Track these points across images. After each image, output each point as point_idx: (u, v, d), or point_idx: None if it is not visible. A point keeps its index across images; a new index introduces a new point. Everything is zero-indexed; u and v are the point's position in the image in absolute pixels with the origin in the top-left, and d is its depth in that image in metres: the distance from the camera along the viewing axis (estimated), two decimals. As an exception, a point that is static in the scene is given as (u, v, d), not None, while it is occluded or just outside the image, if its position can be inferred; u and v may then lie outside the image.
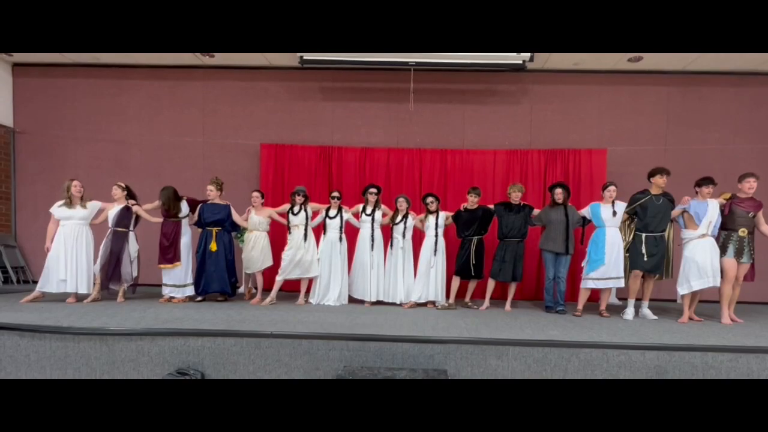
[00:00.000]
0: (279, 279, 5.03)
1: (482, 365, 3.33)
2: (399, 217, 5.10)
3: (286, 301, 5.20)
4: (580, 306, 4.75)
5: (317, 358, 3.38)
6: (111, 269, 4.83)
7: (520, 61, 5.69)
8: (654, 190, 4.57)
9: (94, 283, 4.88)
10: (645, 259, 4.50)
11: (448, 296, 5.16)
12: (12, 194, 6.65)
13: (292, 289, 5.61)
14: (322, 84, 6.48)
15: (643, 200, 4.56)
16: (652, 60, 5.90)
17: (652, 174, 4.61)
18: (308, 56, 5.75)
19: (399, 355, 3.36)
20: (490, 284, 5.14)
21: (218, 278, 5.04)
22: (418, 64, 5.85)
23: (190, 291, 5.08)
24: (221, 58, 6.23)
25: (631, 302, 4.62)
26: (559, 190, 4.88)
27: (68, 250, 4.69)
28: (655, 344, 3.34)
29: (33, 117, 6.62)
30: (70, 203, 4.75)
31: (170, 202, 4.93)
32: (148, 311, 4.33)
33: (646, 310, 4.63)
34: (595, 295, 5.92)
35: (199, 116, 6.58)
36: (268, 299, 4.97)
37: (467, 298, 5.28)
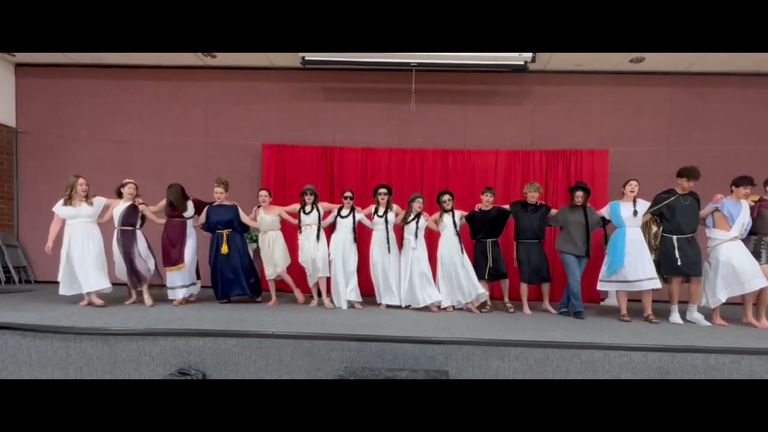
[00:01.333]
0: (312, 284, 5.01)
1: (484, 366, 3.32)
2: (411, 216, 4.88)
3: (288, 303, 5.20)
4: (623, 311, 4.43)
5: (318, 358, 3.37)
6: (132, 269, 4.71)
7: (522, 62, 5.68)
8: (680, 190, 4.34)
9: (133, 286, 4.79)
10: (679, 263, 4.22)
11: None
12: (14, 194, 6.67)
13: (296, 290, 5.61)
14: (323, 84, 6.49)
15: (670, 200, 4.31)
16: (654, 61, 5.88)
17: (680, 174, 4.32)
18: (310, 57, 5.74)
19: (400, 356, 3.36)
20: (524, 289, 4.88)
21: (235, 282, 4.94)
22: (419, 64, 5.84)
23: (194, 290, 4.99)
24: (223, 59, 6.24)
25: (675, 308, 4.38)
26: (580, 193, 4.64)
27: (82, 249, 4.50)
28: (657, 346, 3.33)
29: (35, 117, 6.63)
30: (71, 201, 4.54)
31: (179, 199, 4.78)
32: (149, 311, 4.34)
33: (696, 315, 4.32)
34: (596, 296, 5.88)
35: (201, 116, 6.60)
36: (315, 302, 4.99)
37: (506, 299, 4.98)
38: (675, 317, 4.36)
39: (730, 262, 4.11)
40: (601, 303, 5.84)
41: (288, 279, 5.17)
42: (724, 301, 4.20)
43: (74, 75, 6.57)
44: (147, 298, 4.73)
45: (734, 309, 4.60)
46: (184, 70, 6.50)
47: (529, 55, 5.61)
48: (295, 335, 3.44)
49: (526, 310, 4.81)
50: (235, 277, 4.95)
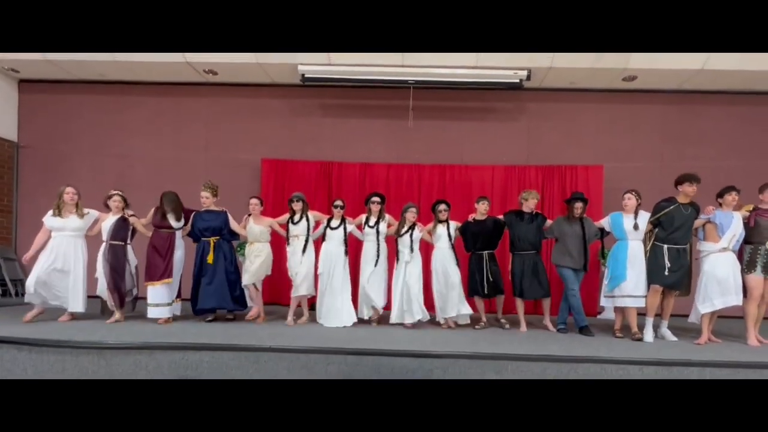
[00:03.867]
0: (295, 296, 4.70)
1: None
2: (405, 228, 4.67)
3: (285, 316, 5.17)
4: (634, 328, 4.23)
5: (315, 372, 3.36)
6: (116, 286, 4.44)
7: (518, 80, 5.81)
8: (681, 199, 4.19)
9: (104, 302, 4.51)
10: (666, 273, 4.09)
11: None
12: (14, 207, 6.70)
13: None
14: (323, 101, 6.60)
15: (669, 209, 4.16)
16: (646, 79, 6.02)
17: (680, 181, 4.20)
18: (310, 74, 5.87)
19: (397, 370, 3.35)
20: (519, 304, 4.70)
21: (215, 292, 4.55)
22: (417, 82, 5.95)
23: (177, 309, 4.65)
24: (224, 76, 6.35)
25: (650, 321, 4.18)
26: (579, 204, 4.47)
27: (63, 264, 4.32)
28: (653, 359, 3.34)
29: (37, 132, 6.70)
30: (59, 211, 4.37)
31: (178, 208, 4.52)
32: (146, 325, 4.32)
33: (665, 330, 4.25)
34: (592, 310, 5.86)
35: (201, 131, 6.68)
36: (305, 318, 4.75)
37: (500, 314, 4.79)
38: (665, 331, 4.26)
39: (714, 273, 3.99)
40: (598, 317, 5.85)
41: (258, 294, 4.81)
42: (704, 312, 4.05)
43: (76, 91, 6.66)
44: (119, 315, 4.47)
45: (729, 323, 4.62)
46: (185, 87, 6.60)
47: (524, 72, 5.75)
48: (292, 349, 3.43)
49: (523, 327, 4.59)
50: (214, 287, 4.56)
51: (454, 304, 4.62)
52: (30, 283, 4.31)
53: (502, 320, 4.78)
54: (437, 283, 4.70)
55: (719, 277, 3.97)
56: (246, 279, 4.77)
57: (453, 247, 4.69)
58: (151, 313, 4.45)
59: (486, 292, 4.66)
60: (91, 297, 4.67)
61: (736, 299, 3.96)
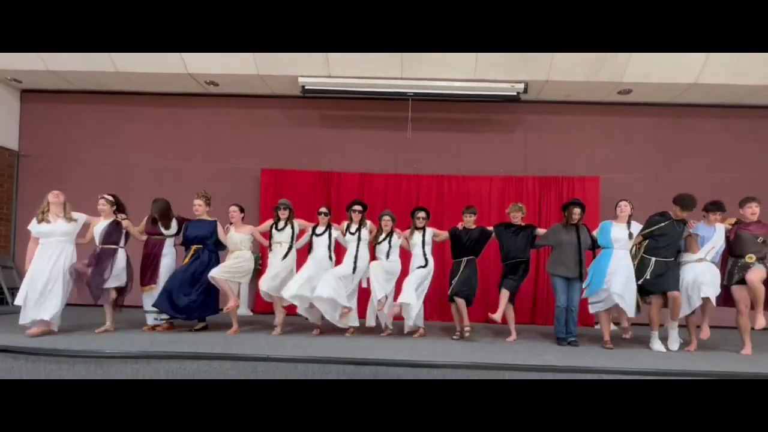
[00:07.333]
0: (281, 300, 4.57)
1: (478, 390, 3.32)
2: (383, 236, 4.69)
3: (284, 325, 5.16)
4: (606, 337, 4.31)
5: (313, 382, 3.36)
6: (95, 280, 4.23)
7: (515, 93, 5.91)
8: (674, 215, 4.26)
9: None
10: (648, 277, 4.17)
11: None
12: (12, 216, 6.72)
13: (291, 313, 5.58)
14: (322, 112, 6.68)
15: (663, 225, 4.22)
16: (641, 92, 6.12)
17: (676, 203, 4.24)
18: (310, 86, 5.96)
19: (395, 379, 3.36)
20: (509, 312, 4.67)
21: (179, 296, 4.45)
22: (416, 94, 6.04)
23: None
24: (224, 87, 6.43)
25: (656, 334, 4.26)
26: (577, 210, 4.44)
27: (49, 272, 4.02)
28: (651, 369, 3.35)
29: (38, 141, 6.76)
30: (44, 217, 4.13)
31: (163, 215, 4.55)
32: (143, 334, 4.33)
33: (657, 344, 4.25)
34: (589, 320, 5.89)
35: (200, 142, 6.74)
36: (278, 330, 4.61)
37: (465, 322, 4.58)
38: (657, 344, 4.24)
39: (685, 278, 4.12)
40: (595, 326, 5.85)
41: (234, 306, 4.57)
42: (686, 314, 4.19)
43: (78, 101, 6.73)
44: (108, 324, 4.36)
45: (724, 334, 4.64)
46: (185, 97, 6.66)
47: (521, 85, 5.85)
48: (289, 359, 3.44)
49: (512, 335, 4.62)
50: (179, 289, 4.39)
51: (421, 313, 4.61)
52: (19, 300, 4.06)
53: (466, 327, 4.49)
54: (416, 282, 4.60)
55: (688, 281, 4.11)
56: (216, 272, 4.49)
57: (426, 254, 4.65)
58: (147, 319, 4.59)
59: (449, 293, 4.57)
60: (72, 305, 4.44)
61: (687, 308, 4.13)
